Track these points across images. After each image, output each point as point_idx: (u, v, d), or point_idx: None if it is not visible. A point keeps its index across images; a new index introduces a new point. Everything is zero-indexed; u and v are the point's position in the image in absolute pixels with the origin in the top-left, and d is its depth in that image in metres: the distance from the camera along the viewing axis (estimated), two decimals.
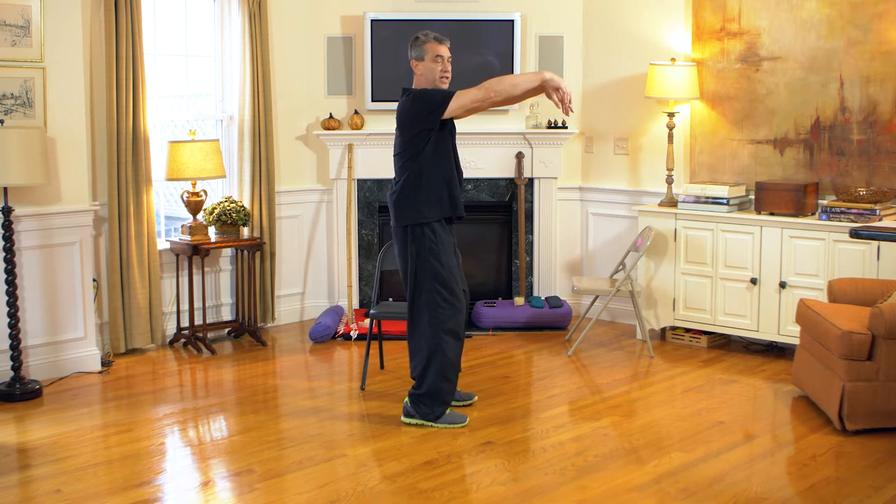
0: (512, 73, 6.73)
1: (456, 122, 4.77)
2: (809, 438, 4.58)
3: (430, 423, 4.72)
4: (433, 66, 4.70)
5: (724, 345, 6.28)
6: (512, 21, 6.75)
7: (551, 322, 6.68)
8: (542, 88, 4.64)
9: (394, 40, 6.69)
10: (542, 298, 6.88)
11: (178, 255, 6.23)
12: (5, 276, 5.17)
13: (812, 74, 5.94)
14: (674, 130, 6.36)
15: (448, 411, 4.77)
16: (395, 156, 4.76)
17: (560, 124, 6.89)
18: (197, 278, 6.32)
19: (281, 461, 4.29)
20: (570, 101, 4.62)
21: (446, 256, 4.69)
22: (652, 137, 6.69)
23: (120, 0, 5.74)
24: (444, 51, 4.72)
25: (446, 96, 4.61)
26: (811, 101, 5.96)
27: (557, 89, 4.59)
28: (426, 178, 4.66)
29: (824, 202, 5.74)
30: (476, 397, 5.13)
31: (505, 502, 3.86)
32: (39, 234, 5.43)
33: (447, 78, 4.73)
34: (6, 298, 5.19)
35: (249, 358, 6.06)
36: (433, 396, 4.70)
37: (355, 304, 6.88)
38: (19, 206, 5.28)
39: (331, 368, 5.91)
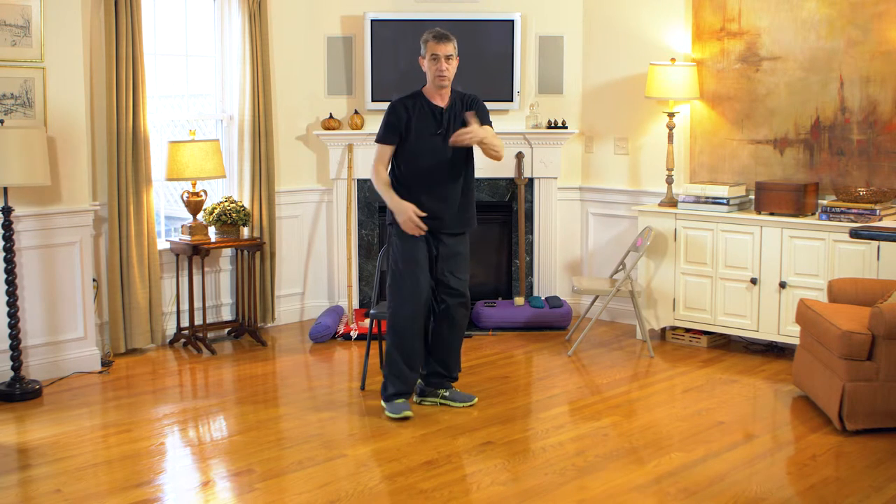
0: (512, 72, 6.75)
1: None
2: (809, 438, 4.58)
3: (383, 404, 4.91)
4: (430, 66, 4.77)
5: (724, 345, 6.28)
6: (512, 21, 6.75)
7: (551, 322, 6.68)
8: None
9: (394, 40, 6.69)
10: (542, 298, 6.88)
11: (178, 255, 6.23)
12: (5, 276, 5.17)
13: (812, 74, 5.94)
14: (674, 130, 6.36)
15: (401, 401, 4.88)
16: None
17: (560, 124, 6.89)
18: (197, 278, 6.32)
19: (281, 461, 4.29)
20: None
21: (407, 243, 4.84)
22: (652, 137, 6.69)
23: (120, 0, 5.74)
24: (442, 50, 4.73)
25: (379, 140, 4.87)
26: (811, 101, 5.96)
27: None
28: (401, 181, 4.86)
29: (824, 202, 5.74)
30: (476, 398, 5.12)
31: (505, 502, 3.86)
32: (39, 234, 5.43)
33: (442, 77, 4.76)
34: (6, 298, 5.19)
35: (249, 358, 6.06)
36: (386, 375, 4.93)
37: (355, 304, 6.88)
38: (19, 206, 5.28)
39: (331, 368, 5.91)
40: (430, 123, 4.80)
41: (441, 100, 4.84)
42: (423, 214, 4.78)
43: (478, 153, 4.94)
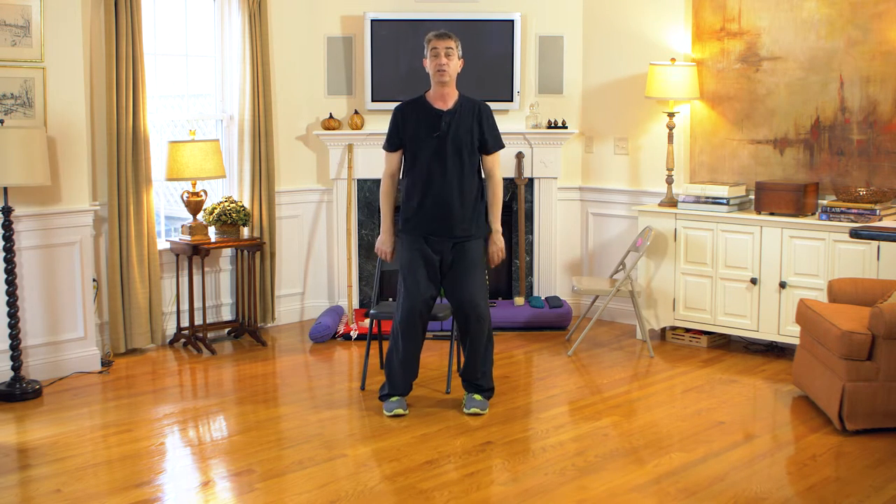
0: (512, 72, 6.75)
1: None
2: (809, 438, 4.58)
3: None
4: (430, 62, 4.82)
5: (724, 345, 6.28)
6: (512, 21, 6.75)
7: (551, 322, 6.68)
8: None
9: (394, 40, 6.69)
10: (542, 298, 6.88)
11: (178, 255, 6.23)
12: (5, 276, 5.17)
13: (812, 74, 5.94)
14: (674, 130, 6.36)
15: (395, 399, 4.92)
16: None
17: (560, 124, 6.89)
18: (197, 278, 6.32)
19: (281, 461, 4.29)
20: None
21: (408, 249, 4.90)
22: (652, 137, 6.69)
23: (120, 0, 5.74)
24: (440, 44, 4.79)
25: (386, 146, 5.00)
26: (811, 101, 5.96)
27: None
28: (407, 184, 4.92)
29: (824, 202, 5.74)
30: (484, 412, 5.04)
31: (505, 502, 3.86)
32: (39, 234, 5.43)
33: (441, 71, 4.79)
34: (6, 298, 5.19)
35: (249, 358, 6.06)
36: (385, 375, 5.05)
37: (355, 304, 6.88)
38: (19, 206, 5.28)
39: (331, 368, 5.91)
40: (428, 126, 4.81)
41: (443, 103, 4.85)
42: (389, 259, 5.06)
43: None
